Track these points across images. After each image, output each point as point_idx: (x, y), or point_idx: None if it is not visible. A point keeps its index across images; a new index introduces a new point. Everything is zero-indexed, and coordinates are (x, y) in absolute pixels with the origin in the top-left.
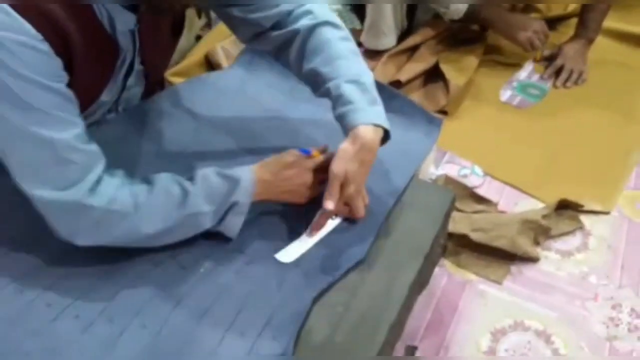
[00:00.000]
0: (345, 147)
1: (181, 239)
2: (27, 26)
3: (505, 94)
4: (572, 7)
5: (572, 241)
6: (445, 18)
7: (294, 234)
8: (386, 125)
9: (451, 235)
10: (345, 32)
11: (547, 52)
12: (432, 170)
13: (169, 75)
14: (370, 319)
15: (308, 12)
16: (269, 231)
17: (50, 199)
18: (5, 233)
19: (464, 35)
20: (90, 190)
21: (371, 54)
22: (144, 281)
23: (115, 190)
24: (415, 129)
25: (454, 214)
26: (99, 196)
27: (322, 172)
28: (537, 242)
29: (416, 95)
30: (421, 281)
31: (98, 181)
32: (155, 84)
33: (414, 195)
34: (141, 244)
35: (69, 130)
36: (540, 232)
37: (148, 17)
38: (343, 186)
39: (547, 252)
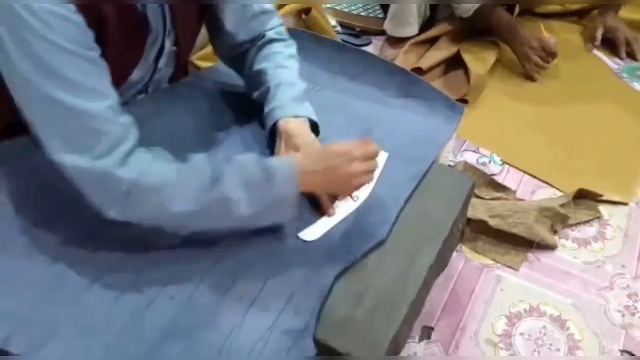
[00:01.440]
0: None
1: (217, 225)
2: None
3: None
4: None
5: (589, 230)
6: (455, 14)
7: (317, 214)
8: (309, 115)
9: (469, 221)
10: (293, 50)
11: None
12: (450, 157)
13: (195, 59)
14: (390, 298)
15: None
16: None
17: (81, 167)
18: (40, 206)
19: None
20: (121, 162)
21: (393, 42)
22: (172, 256)
23: (147, 165)
24: (437, 115)
25: (473, 200)
26: (129, 168)
27: (369, 160)
28: (554, 230)
29: (437, 84)
30: (439, 264)
31: (129, 153)
32: (183, 66)
33: (434, 180)
34: (173, 225)
35: (101, 100)
36: (558, 220)
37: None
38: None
39: (564, 240)
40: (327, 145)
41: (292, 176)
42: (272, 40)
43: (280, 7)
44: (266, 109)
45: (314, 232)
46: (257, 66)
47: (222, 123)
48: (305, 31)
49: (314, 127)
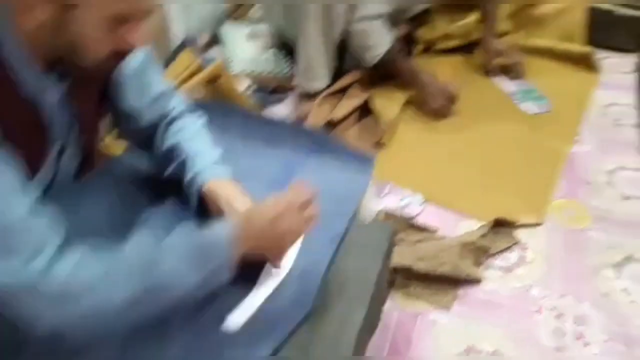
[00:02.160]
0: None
1: (159, 309)
2: None
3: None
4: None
5: (511, 257)
6: (363, 64)
7: (238, 298)
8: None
9: (398, 269)
10: (203, 121)
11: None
12: (373, 205)
13: (104, 147)
14: None
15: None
16: (212, 299)
17: (4, 282)
18: None
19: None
20: (46, 268)
21: (306, 97)
22: None
23: (76, 264)
24: (350, 169)
25: (398, 247)
26: (56, 273)
27: (303, 208)
28: (478, 263)
29: (352, 132)
30: (371, 321)
31: (55, 256)
32: (89, 158)
33: (354, 237)
34: (113, 324)
35: (16, 208)
36: (479, 252)
37: (76, 88)
38: None
39: (489, 271)
40: (255, 207)
41: (227, 249)
42: (179, 116)
43: (190, 77)
44: (187, 178)
45: (238, 318)
46: (168, 143)
47: (141, 207)
48: (214, 101)
49: None
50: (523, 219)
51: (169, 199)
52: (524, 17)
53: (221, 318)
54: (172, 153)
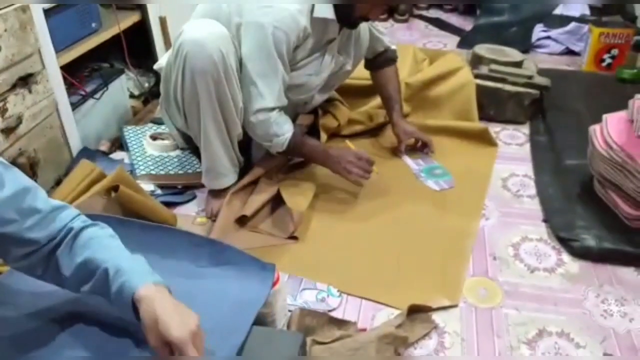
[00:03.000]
0: (145, 318)
1: None
2: None
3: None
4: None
5: (429, 344)
6: (271, 151)
7: None
8: (159, 280)
9: None
10: (111, 230)
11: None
12: (289, 301)
13: None
14: None
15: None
16: None
17: None
18: None
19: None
20: None
21: (216, 193)
22: None
23: None
24: (250, 278)
25: (314, 348)
26: None
27: None
28: (398, 354)
29: (265, 225)
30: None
31: None
32: None
33: (257, 348)
34: None
35: None
36: (398, 342)
37: None
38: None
39: None
40: None
41: None
42: (83, 229)
43: (89, 186)
44: (114, 288)
45: None
46: (80, 258)
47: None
48: (108, 216)
49: None
50: (438, 303)
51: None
52: (420, 99)
53: None
54: (87, 267)
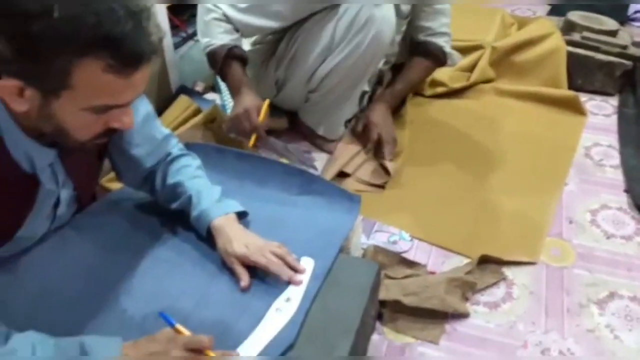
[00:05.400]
0: (220, 243)
1: None
2: None
3: None
4: (474, 76)
5: (497, 292)
6: None
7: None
8: (237, 209)
9: (385, 303)
10: (199, 162)
11: (359, 126)
12: (363, 240)
13: (105, 181)
14: None
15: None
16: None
17: None
18: None
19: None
20: None
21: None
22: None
23: None
24: (337, 208)
25: (386, 281)
26: None
27: (190, 349)
28: (465, 298)
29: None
30: (357, 354)
31: None
32: (85, 204)
33: (339, 273)
34: None
35: None
36: (466, 287)
37: (69, 154)
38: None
39: (475, 306)
40: (153, 336)
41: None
42: (179, 156)
43: (186, 120)
44: (194, 214)
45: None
46: (171, 180)
47: (145, 239)
48: (207, 144)
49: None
50: (515, 258)
51: (174, 226)
52: (506, 65)
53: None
54: (175, 190)
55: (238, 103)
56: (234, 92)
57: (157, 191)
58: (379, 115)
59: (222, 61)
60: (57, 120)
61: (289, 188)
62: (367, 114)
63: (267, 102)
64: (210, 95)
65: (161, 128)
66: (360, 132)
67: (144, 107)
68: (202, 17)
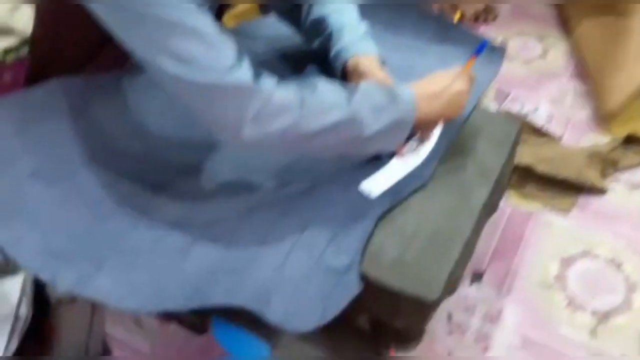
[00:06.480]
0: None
1: (335, 148)
2: None
3: None
4: None
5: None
6: None
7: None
8: (376, 52)
9: (515, 168)
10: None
11: None
12: (493, 106)
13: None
14: (442, 238)
15: None
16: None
17: (214, 84)
18: (87, 146)
19: None
20: (254, 75)
21: None
22: (213, 199)
23: (275, 82)
24: (479, 57)
25: (519, 145)
26: (262, 82)
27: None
28: (604, 174)
29: None
30: (491, 205)
31: (254, 70)
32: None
33: (479, 124)
34: (296, 147)
35: (208, 20)
36: (607, 164)
37: None
38: None
39: (614, 183)
40: (432, 76)
41: (413, 101)
42: None
43: None
44: (332, 52)
45: (377, 187)
46: (316, 14)
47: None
48: None
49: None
50: None
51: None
52: None
53: (339, 174)
54: (318, 25)
55: None
56: None
57: (301, 25)
58: None
59: None
60: None
61: (421, 34)
62: None
63: None
64: None
65: None
66: None
67: None
68: None
